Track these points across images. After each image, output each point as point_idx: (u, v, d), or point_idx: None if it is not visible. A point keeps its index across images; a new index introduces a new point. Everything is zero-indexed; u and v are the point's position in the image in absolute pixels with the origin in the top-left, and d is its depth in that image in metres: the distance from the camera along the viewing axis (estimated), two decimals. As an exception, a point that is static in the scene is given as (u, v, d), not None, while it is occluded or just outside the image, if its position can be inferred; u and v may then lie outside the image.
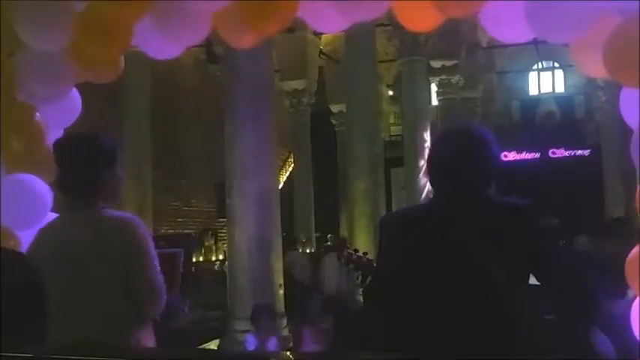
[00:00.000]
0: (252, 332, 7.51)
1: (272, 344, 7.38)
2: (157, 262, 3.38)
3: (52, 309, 3.03)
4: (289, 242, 14.18)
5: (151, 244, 3.39)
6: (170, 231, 17.71)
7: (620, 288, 3.72)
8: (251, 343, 7.28)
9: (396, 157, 17.99)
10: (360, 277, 11.50)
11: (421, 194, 14.38)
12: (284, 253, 10.66)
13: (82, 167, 3.42)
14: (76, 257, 3.22)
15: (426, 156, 3.04)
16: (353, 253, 8.36)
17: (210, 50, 16.35)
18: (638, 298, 3.45)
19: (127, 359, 2.31)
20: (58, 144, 3.59)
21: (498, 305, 2.73)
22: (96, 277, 3.22)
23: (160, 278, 3.36)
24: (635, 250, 3.49)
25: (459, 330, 2.68)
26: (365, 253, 10.62)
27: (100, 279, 3.22)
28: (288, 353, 5.55)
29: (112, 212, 3.45)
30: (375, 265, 4.08)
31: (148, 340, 3.41)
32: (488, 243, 2.73)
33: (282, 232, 10.14)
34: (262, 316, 7.48)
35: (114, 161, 3.51)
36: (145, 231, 3.39)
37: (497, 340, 2.68)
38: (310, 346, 7.41)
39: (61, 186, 3.53)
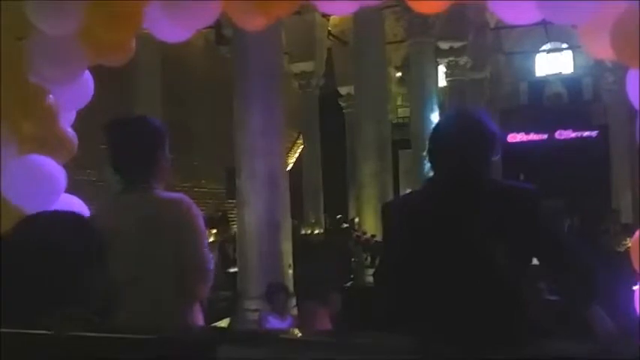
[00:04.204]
0: (268, 311, 7.59)
1: (289, 322, 7.47)
2: (207, 242, 3.47)
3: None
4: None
5: (203, 224, 3.47)
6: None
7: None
8: (272, 322, 7.36)
9: (404, 139, 17.97)
10: (368, 259, 11.55)
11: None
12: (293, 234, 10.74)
13: (136, 149, 3.49)
14: (130, 236, 3.27)
15: (428, 140, 3.03)
16: (361, 235, 8.40)
17: (220, 32, 16.33)
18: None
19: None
20: (110, 128, 3.63)
21: (504, 287, 2.75)
22: (149, 255, 3.29)
23: (210, 258, 3.45)
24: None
25: (465, 312, 2.71)
26: (373, 236, 10.66)
27: (152, 257, 3.29)
28: (296, 331, 5.61)
29: (165, 192, 3.52)
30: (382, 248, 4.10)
31: (197, 319, 3.49)
32: (492, 227, 2.75)
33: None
34: (278, 295, 7.57)
35: (164, 142, 3.58)
36: (197, 211, 3.46)
37: (503, 321, 2.70)
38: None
39: (114, 167, 3.59)
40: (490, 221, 2.74)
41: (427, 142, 3.00)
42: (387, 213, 3.20)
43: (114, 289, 2.62)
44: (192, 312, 3.47)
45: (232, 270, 11.22)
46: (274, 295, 7.58)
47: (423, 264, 2.83)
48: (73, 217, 2.49)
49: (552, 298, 3.13)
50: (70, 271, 2.26)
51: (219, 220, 14.90)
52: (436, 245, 2.80)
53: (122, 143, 3.54)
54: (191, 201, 3.50)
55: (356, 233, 12.46)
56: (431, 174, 3.05)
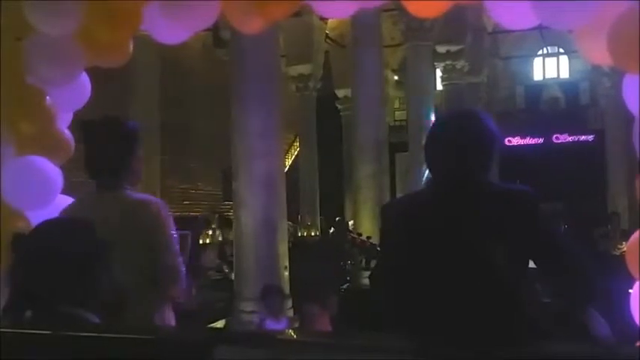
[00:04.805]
0: (262, 312, 7.60)
1: (284, 323, 7.48)
2: (177, 244, 3.49)
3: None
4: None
5: (172, 225, 3.51)
6: (177, 213, 17.79)
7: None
8: (268, 324, 7.36)
9: (401, 141, 17.99)
10: (363, 261, 11.56)
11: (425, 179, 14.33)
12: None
13: (107, 152, 3.54)
14: (102, 234, 3.27)
15: (425, 141, 3.02)
16: (357, 236, 8.38)
17: (217, 35, 16.33)
18: (637, 283, 3.50)
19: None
20: (84, 128, 3.65)
21: (503, 289, 2.75)
22: (121, 257, 3.28)
23: (181, 261, 3.48)
24: (635, 235, 3.54)
25: (463, 315, 2.71)
26: (368, 237, 10.66)
27: (123, 257, 3.28)
28: (291, 331, 5.62)
29: (136, 194, 3.54)
30: (378, 250, 4.10)
31: (168, 319, 3.49)
32: (490, 229, 2.75)
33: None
34: (273, 296, 7.57)
35: (137, 145, 3.60)
36: (167, 213, 3.50)
37: (503, 322, 2.70)
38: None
39: (87, 167, 3.61)
40: (490, 223, 2.74)
41: (424, 143, 2.99)
42: (386, 214, 3.20)
43: (120, 291, 2.67)
44: (165, 313, 3.47)
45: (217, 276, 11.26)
46: (269, 297, 7.58)
47: (422, 265, 2.83)
48: (78, 222, 2.59)
49: (547, 300, 3.14)
50: (78, 273, 2.34)
51: (220, 222, 14.92)
52: (435, 247, 2.80)
53: (94, 144, 3.58)
54: (162, 202, 3.54)
55: (352, 235, 12.45)
56: (424, 177, 3.04)
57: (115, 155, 3.53)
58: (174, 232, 3.50)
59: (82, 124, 3.63)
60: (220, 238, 14.51)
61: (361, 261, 11.60)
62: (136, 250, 3.31)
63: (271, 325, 7.31)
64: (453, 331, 2.69)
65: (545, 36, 20.36)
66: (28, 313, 2.33)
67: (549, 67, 27.00)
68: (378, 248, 4.10)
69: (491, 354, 1.91)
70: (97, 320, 2.35)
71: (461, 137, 2.87)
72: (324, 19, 17.68)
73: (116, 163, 3.53)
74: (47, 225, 2.54)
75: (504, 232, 2.73)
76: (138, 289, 3.29)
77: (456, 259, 2.74)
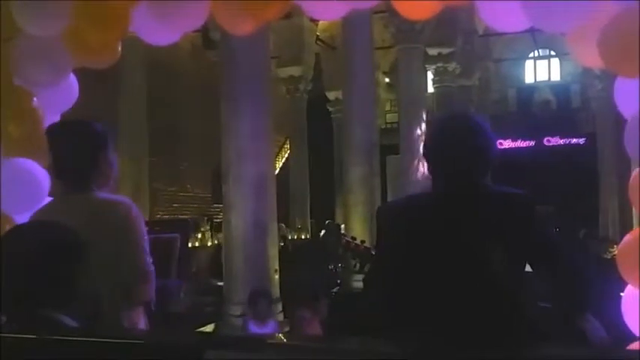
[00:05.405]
0: (249, 316, 7.56)
1: (271, 328, 7.45)
2: (147, 246, 3.44)
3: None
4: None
5: (143, 226, 3.46)
6: (166, 216, 17.74)
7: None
8: (252, 327, 7.33)
9: (392, 144, 17.98)
10: (357, 265, 11.55)
11: (416, 181, 14.37)
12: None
13: (73, 153, 3.50)
14: None
15: (423, 144, 3.04)
16: (351, 240, 8.34)
17: (207, 36, 16.31)
18: (629, 286, 3.49)
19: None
20: (50, 131, 3.64)
21: (502, 290, 2.76)
22: (91, 257, 3.25)
23: (150, 262, 3.42)
24: (627, 239, 3.53)
25: (459, 318, 2.71)
26: (362, 242, 10.63)
27: (94, 259, 3.25)
28: (281, 336, 5.60)
29: (105, 195, 3.50)
30: (373, 254, 4.09)
31: (139, 322, 3.45)
32: (488, 232, 2.75)
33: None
34: (260, 301, 7.54)
35: (105, 147, 3.57)
36: (137, 213, 3.45)
37: (500, 326, 2.71)
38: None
39: (54, 171, 3.60)
40: (489, 225, 2.76)
41: (422, 147, 3.00)
42: (382, 217, 3.19)
43: (97, 294, 2.64)
44: (136, 316, 3.43)
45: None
46: (256, 300, 7.56)
47: (420, 267, 2.84)
48: (55, 224, 2.57)
49: (543, 304, 3.13)
50: (55, 276, 2.32)
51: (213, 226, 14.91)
52: (434, 248, 2.81)
53: (60, 147, 3.56)
54: (132, 203, 3.50)
55: (345, 238, 12.43)
56: (413, 178, 3.06)
57: (81, 157, 3.50)
58: (144, 233, 3.46)
59: (46, 131, 3.62)
60: (215, 242, 14.50)
61: (355, 265, 11.59)
62: (107, 252, 3.27)
63: (256, 329, 7.28)
64: (451, 333, 2.70)
65: (536, 38, 20.42)
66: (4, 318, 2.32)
67: (540, 70, 27.09)
68: (373, 252, 4.08)
69: (491, 356, 1.90)
70: (74, 324, 2.32)
71: (460, 140, 2.88)
72: (314, 21, 17.68)
73: (83, 164, 3.49)
74: (22, 228, 2.52)
75: (503, 234, 2.74)
76: (111, 292, 3.26)
77: (454, 260, 2.76)
